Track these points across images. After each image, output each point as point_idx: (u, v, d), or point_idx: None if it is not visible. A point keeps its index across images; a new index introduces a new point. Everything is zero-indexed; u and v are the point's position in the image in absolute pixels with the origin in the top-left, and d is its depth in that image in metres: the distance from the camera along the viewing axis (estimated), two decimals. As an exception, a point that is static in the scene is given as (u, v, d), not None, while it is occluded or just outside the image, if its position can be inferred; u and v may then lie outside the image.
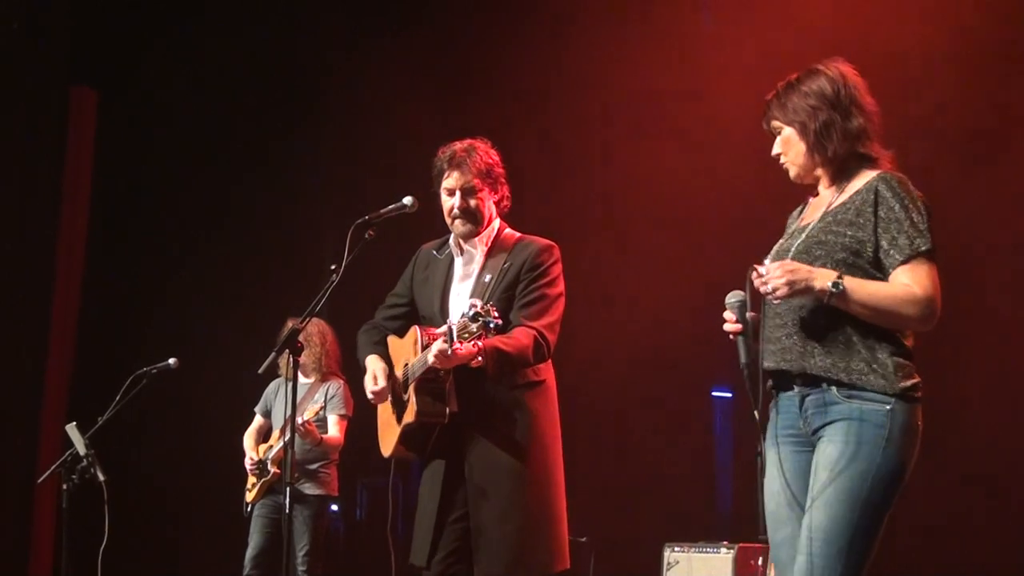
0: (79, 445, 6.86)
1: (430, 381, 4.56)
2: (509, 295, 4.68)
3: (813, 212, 3.78)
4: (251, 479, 7.45)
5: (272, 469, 7.30)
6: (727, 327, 3.65)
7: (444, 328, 4.35)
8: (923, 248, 3.49)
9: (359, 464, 9.12)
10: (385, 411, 4.90)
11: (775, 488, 3.68)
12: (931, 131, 7.71)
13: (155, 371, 6.99)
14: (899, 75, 7.53)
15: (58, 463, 7.01)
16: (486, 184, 4.82)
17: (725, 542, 8.19)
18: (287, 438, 7.26)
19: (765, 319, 3.65)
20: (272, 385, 7.64)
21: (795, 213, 3.95)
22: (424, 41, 10.58)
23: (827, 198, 3.75)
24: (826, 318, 3.52)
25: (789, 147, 3.78)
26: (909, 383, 3.49)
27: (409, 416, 4.63)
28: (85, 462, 6.82)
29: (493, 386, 4.62)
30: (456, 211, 4.78)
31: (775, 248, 3.79)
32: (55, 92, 9.89)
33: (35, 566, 9.13)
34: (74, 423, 7.04)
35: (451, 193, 4.79)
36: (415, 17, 10.59)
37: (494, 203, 4.88)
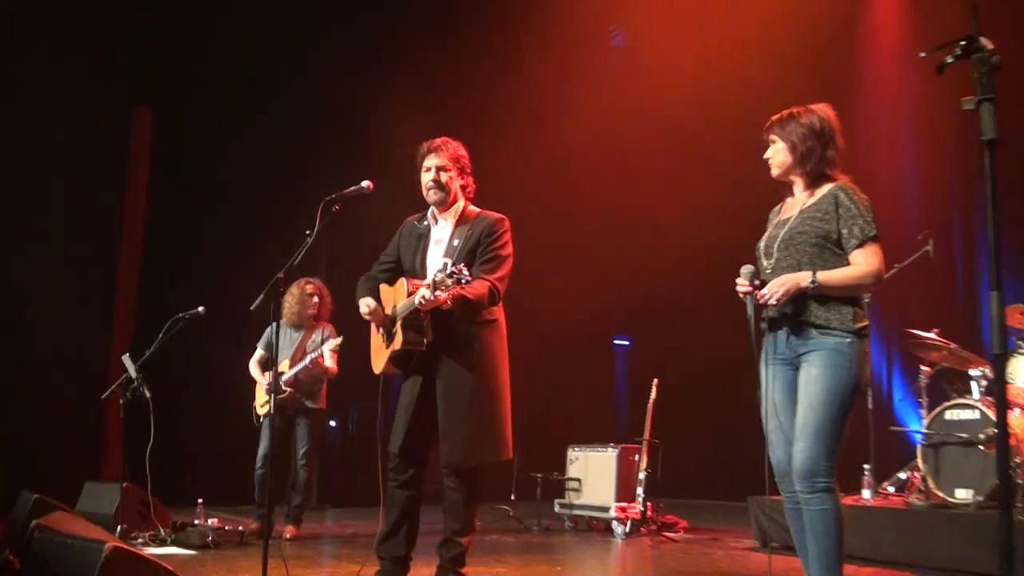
0: (131, 370, 6.93)
1: (413, 319, 4.72)
2: (471, 255, 4.80)
3: (791, 210, 4.12)
4: (263, 397, 7.52)
5: (287, 390, 7.42)
6: (740, 289, 3.99)
7: (428, 280, 4.51)
8: (871, 234, 3.88)
9: (350, 392, 9.40)
10: (376, 339, 5.02)
11: (768, 395, 4.06)
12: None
13: (188, 316, 6.96)
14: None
15: (116, 384, 7.05)
16: (455, 167, 4.98)
17: (612, 443, 8.53)
18: (297, 368, 7.43)
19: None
20: (275, 325, 7.78)
21: (775, 210, 4.28)
22: (412, 71, 10.85)
23: (801, 199, 4.10)
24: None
25: (777, 155, 4.12)
26: (861, 324, 3.89)
27: (396, 344, 4.76)
28: (136, 383, 6.86)
29: (458, 323, 4.74)
30: (431, 183, 4.94)
31: (764, 237, 4.16)
32: (120, 110, 10.05)
33: (106, 459, 9.28)
34: (127, 353, 7.11)
35: (428, 171, 4.96)
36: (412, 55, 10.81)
37: (460, 186, 5.02)
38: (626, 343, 13.14)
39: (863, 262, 3.86)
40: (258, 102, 10.40)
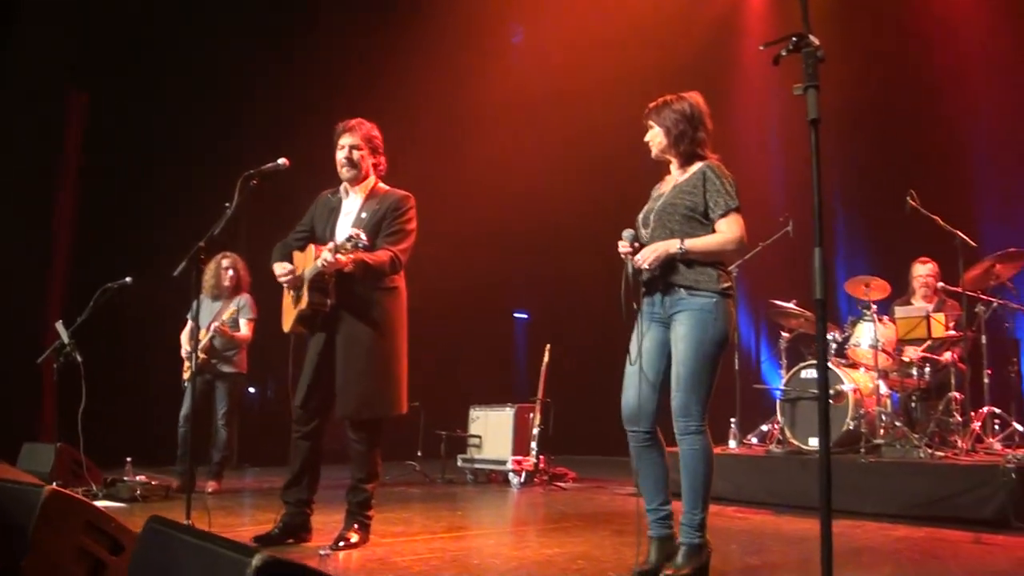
0: (64, 336, 6.91)
1: (319, 281, 4.77)
2: (378, 228, 4.84)
3: (666, 185, 4.22)
4: (187, 363, 7.52)
5: (201, 355, 7.42)
6: (621, 249, 4.06)
7: (330, 245, 4.61)
8: (733, 205, 3.99)
9: (269, 361, 9.33)
10: (287, 300, 5.04)
11: (637, 343, 4.11)
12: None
13: (116, 286, 6.92)
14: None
15: (50, 349, 7.01)
16: (367, 147, 5.02)
17: (509, 404, 8.72)
18: (209, 335, 7.47)
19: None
20: (197, 297, 7.69)
21: (656, 187, 4.32)
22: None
23: (676, 176, 4.19)
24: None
25: (655, 138, 4.20)
26: (725, 285, 4.00)
27: (303, 304, 4.81)
28: (68, 348, 6.84)
29: (360, 287, 4.77)
30: (344, 160, 4.99)
31: (644, 210, 4.23)
32: (55, 93, 9.80)
33: (43, 421, 9.08)
34: (60, 321, 7.07)
35: (342, 149, 5.01)
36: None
37: (372, 164, 5.05)
38: (524, 316, 13.46)
39: (726, 230, 3.96)
40: (187, 82, 10.21)
